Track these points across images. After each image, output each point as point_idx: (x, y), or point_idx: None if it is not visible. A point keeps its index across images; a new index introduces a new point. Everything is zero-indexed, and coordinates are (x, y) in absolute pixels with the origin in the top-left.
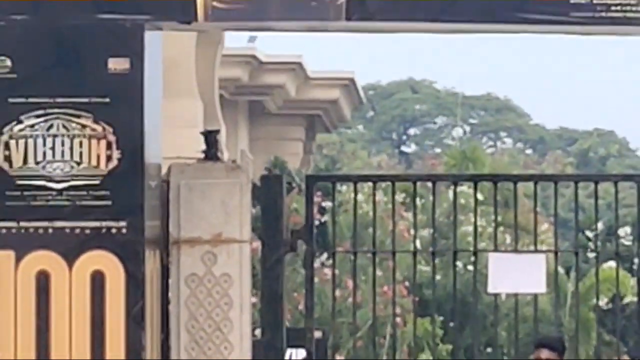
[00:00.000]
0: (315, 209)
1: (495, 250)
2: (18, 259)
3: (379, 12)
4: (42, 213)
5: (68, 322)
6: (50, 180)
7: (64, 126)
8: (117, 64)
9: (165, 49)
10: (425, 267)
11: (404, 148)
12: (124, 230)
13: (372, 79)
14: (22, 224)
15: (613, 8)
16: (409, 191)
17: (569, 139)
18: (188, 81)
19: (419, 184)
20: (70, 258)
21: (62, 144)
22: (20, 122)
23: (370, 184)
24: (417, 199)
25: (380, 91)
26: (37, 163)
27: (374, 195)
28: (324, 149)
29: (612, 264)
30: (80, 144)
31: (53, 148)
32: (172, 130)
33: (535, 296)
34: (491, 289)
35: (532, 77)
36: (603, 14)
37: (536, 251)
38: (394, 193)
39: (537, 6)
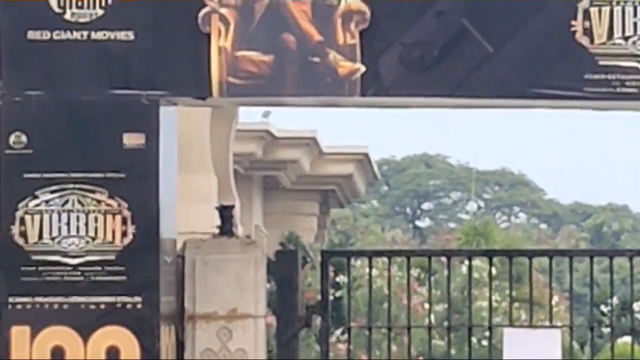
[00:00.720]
0: (330, 284)
1: (510, 325)
2: (33, 335)
3: (394, 88)
4: (57, 288)
5: None
6: (66, 255)
7: (79, 201)
8: (133, 140)
9: (180, 124)
10: (440, 342)
11: (418, 223)
12: (139, 306)
13: (386, 154)
14: (37, 299)
15: (627, 84)
16: (423, 266)
17: (583, 214)
18: (202, 156)
19: (432, 258)
20: (85, 333)
21: (78, 220)
22: (35, 197)
23: (385, 259)
24: (432, 274)
25: (394, 166)
26: (52, 238)
27: (389, 270)
28: (337, 224)
29: (627, 339)
30: (96, 219)
31: (68, 223)
32: (186, 205)
33: None
34: None
35: (546, 151)
36: (618, 90)
37: (551, 326)
38: (409, 268)
39: (551, 81)
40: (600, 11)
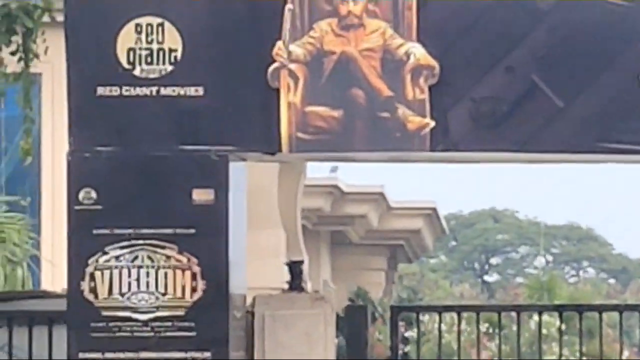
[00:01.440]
0: (399, 339)
1: None
2: None
3: (463, 143)
4: (128, 344)
5: None
6: (136, 311)
7: (149, 257)
8: (202, 195)
9: (248, 179)
10: None
11: (486, 277)
12: None
13: (454, 209)
14: (107, 355)
15: None
16: (492, 321)
17: None
18: (271, 211)
19: (502, 313)
20: None
21: (147, 275)
22: (105, 253)
23: (454, 314)
24: (501, 329)
25: (462, 221)
26: (122, 294)
27: (459, 325)
28: (404, 279)
29: None
30: (165, 275)
31: (138, 279)
32: (256, 260)
33: None
34: None
35: (614, 205)
36: None
37: None
38: (478, 323)
39: (620, 136)
40: None
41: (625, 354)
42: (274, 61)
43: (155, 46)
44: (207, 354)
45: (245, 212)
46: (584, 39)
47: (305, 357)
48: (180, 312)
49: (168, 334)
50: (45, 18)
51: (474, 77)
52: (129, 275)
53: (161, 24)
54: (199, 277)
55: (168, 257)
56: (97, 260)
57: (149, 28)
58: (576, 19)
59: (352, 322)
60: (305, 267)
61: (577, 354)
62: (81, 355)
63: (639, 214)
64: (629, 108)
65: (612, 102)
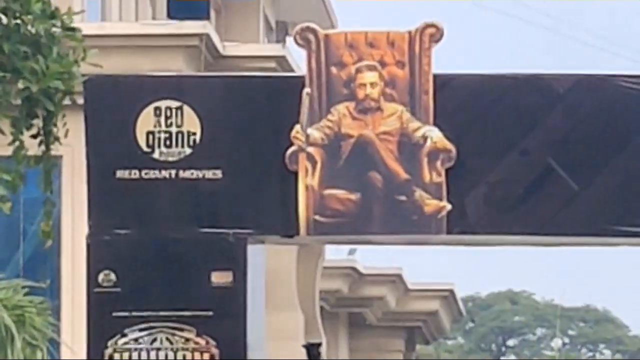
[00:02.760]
0: None
1: None
2: None
3: (480, 226)
4: None
5: None
6: None
7: (167, 339)
8: (220, 277)
9: (267, 261)
10: None
11: (502, 359)
12: None
13: (472, 291)
14: None
15: None
16: None
17: None
18: (289, 293)
19: None
20: None
21: (166, 357)
22: (124, 335)
23: None
24: None
25: (479, 302)
26: None
27: None
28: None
29: None
30: (184, 357)
31: None
32: (274, 342)
33: None
34: None
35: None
36: None
37: None
38: None
39: (635, 219)
40: None
41: None
42: (292, 144)
43: (174, 129)
44: None
45: (263, 294)
46: (599, 121)
47: None
48: None
49: None
50: (66, 101)
51: (489, 160)
52: (148, 357)
53: (180, 108)
54: (217, 359)
55: (187, 339)
56: (116, 342)
57: (168, 111)
58: (592, 102)
59: None
60: (323, 349)
61: None
62: None
63: None
64: None
65: (626, 184)
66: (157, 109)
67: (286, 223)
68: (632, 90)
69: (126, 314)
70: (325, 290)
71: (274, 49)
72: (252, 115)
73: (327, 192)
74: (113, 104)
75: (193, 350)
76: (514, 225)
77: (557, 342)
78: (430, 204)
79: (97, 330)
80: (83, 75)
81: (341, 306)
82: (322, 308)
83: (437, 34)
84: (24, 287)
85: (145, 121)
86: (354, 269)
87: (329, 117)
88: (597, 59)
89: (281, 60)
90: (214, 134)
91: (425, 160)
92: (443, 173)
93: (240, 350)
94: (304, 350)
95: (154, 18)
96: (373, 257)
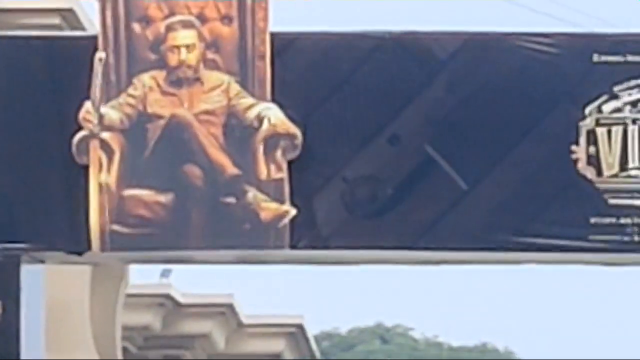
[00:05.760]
0: None
1: None
2: None
3: (335, 237)
4: None
5: None
6: None
7: None
8: None
9: (51, 289)
10: None
11: None
12: None
13: (327, 325)
14: None
15: None
16: None
17: None
18: (80, 330)
19: None
20: None
21: None
22: None
23: None
24: None
25: (339, 341)
26: None
27: None
28: None
29: None
30: None
31: None
32: None
33: None
34: None
35: (534, 320)
36: (635, 238)
37: None
38: None
39: (544, 228)
40: (609, 132)
41: None
42: (80, 128)
43: None
44: None
45: (43, 332)
46: (494, 98)
47: None
48: None
49: None
50: None
51: (347, 149)
52: None
53: None
54: None
55: None
56: None
57: None
58: (484, 72)
59: None
60: None
61: None
62: None
63: (566, 328)
64: (556, 190)
65: (533, 182)
66: None
67: (73, 235)
68: (537, 54)
69: None
70: (129, 326)
71: (58, 1)
72: (27, 88)
73: (129, 192)
74: None
75: None
76: (380, 236)
77: None
78: (268, 208)
79: None
80: None
81: (152, 347)
82: (125, 350)
83: None
84: None
85: None
86: (168, 297)
87: (131, 91)
88: None
89: (68, 15)
90: None
91: (260, 149)
92: (285, 166)
93: None
94: None
95: None
96: (195, 281)
